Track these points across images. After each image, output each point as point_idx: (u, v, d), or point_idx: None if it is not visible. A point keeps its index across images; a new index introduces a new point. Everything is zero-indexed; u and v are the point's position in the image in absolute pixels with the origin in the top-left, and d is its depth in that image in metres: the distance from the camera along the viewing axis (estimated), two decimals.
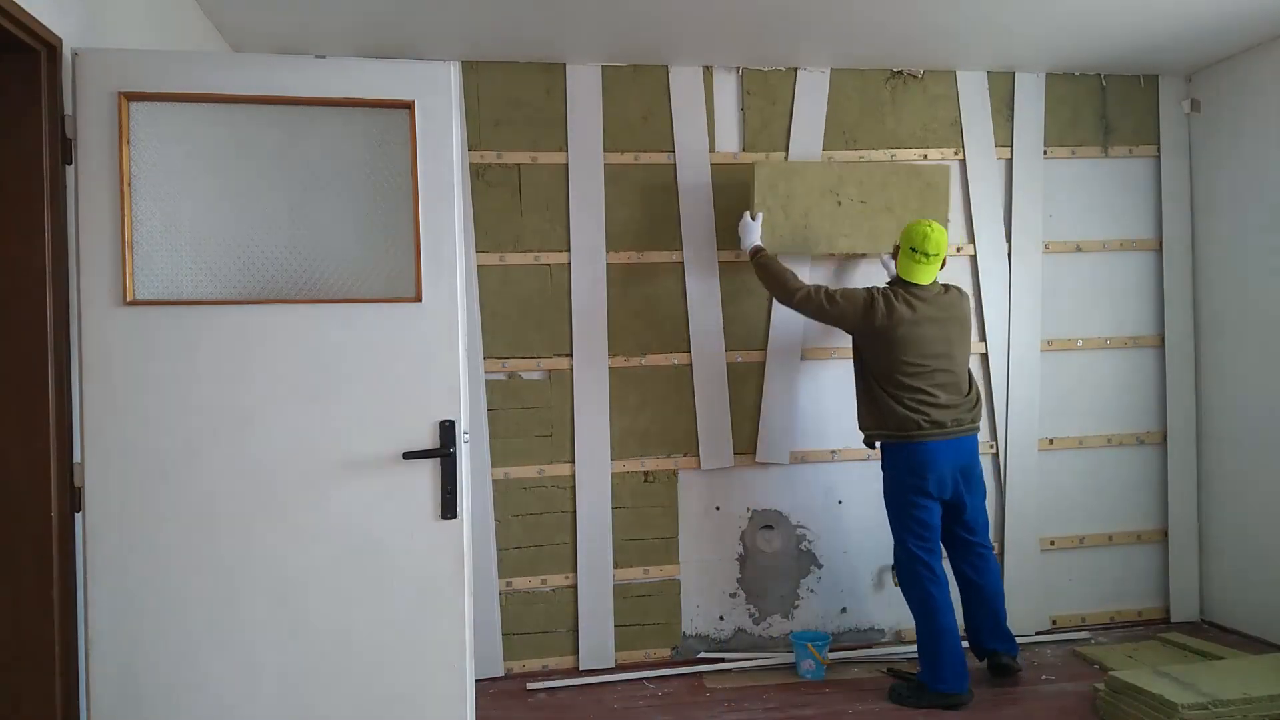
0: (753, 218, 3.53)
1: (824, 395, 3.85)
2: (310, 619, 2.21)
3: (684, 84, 3.75)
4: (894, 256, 3.39)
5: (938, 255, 3.24)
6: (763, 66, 3.81)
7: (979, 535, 3.37)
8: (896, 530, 3.34)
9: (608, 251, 3.69)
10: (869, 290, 3.26)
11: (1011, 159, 3.97)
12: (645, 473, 3.73)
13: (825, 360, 3.85)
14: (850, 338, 3.40)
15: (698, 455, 3.76)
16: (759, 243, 3.49)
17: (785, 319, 3.78)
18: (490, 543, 3.59)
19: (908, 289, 3.25)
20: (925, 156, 3.92)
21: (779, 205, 3.59)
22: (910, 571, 3.26)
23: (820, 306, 3.26)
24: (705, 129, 3.77)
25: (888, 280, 3.47)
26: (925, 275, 3.25)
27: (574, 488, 3.67)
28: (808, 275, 3.75)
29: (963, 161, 3.95)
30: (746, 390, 3.81)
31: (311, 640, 2.21)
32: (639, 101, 3.73)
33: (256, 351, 2.19)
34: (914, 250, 3.23)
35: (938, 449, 3.19)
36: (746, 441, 3.79)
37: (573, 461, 3.66)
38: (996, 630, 3.37)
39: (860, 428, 3.39)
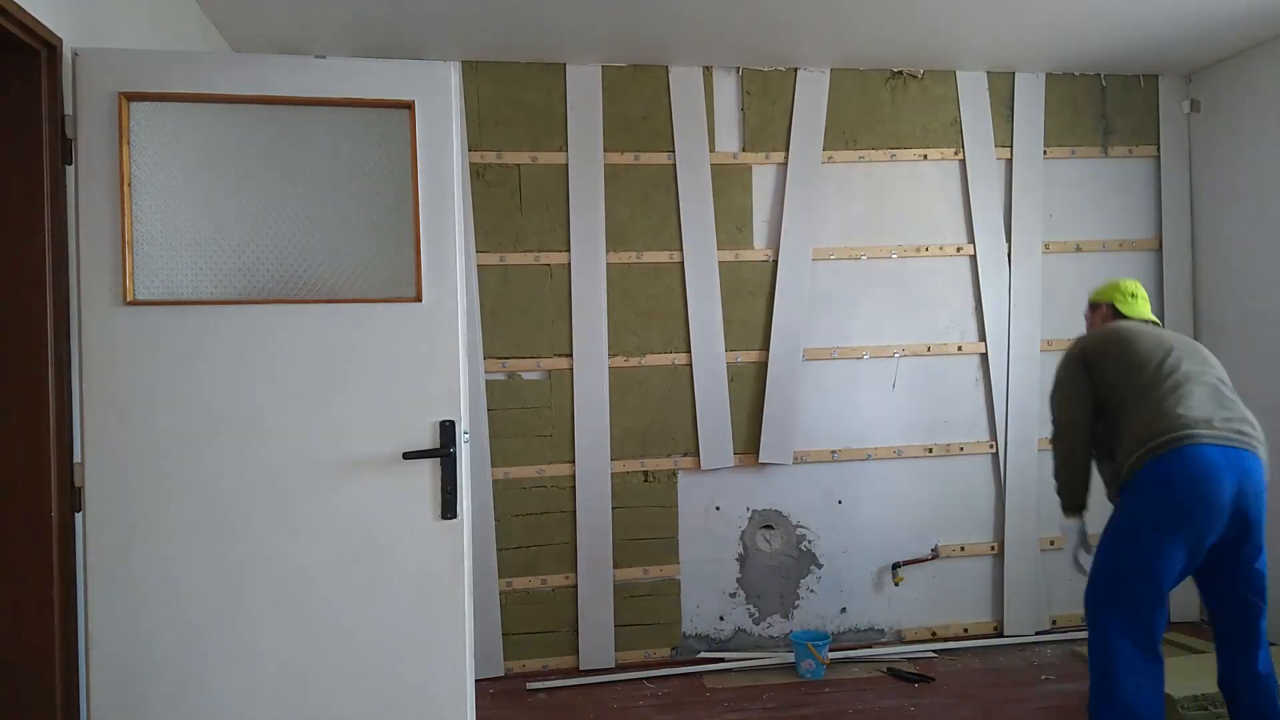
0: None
1: (824, 395, 3.85)
2: (310, 618, 2.21)
3: (684, 84, 3.75)
4: (1091, 320, 2.87)
5: (1145, 297, 2.81)
6: (763, 66, 3.81)
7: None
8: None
9: (608, 251, 3.69)
10: (1069, 350, 2.69)
11: (1011, 159, 3.97)
12: (645, 473, 3.73)
13: (826, 361, 3.85)
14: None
15: (698, 455, 3.76)
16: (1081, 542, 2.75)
17: (786, 319, 3.78)
18: (490, 543, 3.59)
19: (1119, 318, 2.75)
20: (925, 157, 3.92)
21: None
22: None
23: (1071, 406, 2.60)
24: (705, 129, 3.77)
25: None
26: (1146, 311, 2.77)
27: (574, 488, 3.67)
28: None
29: (963, 161, 3.95)
30: (746, 390, 3.81)
31: (312, 640, 2.21)
32: (639, 101, 3.73)
33: (257, 351, 2.19)
34: (1132, 296, 2.77)
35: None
36: (747, 441, 3.79)
37: (573, 461, 3.67)
38: None
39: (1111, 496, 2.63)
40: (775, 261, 3.81)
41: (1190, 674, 2.90)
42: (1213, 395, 2.42)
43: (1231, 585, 2.41)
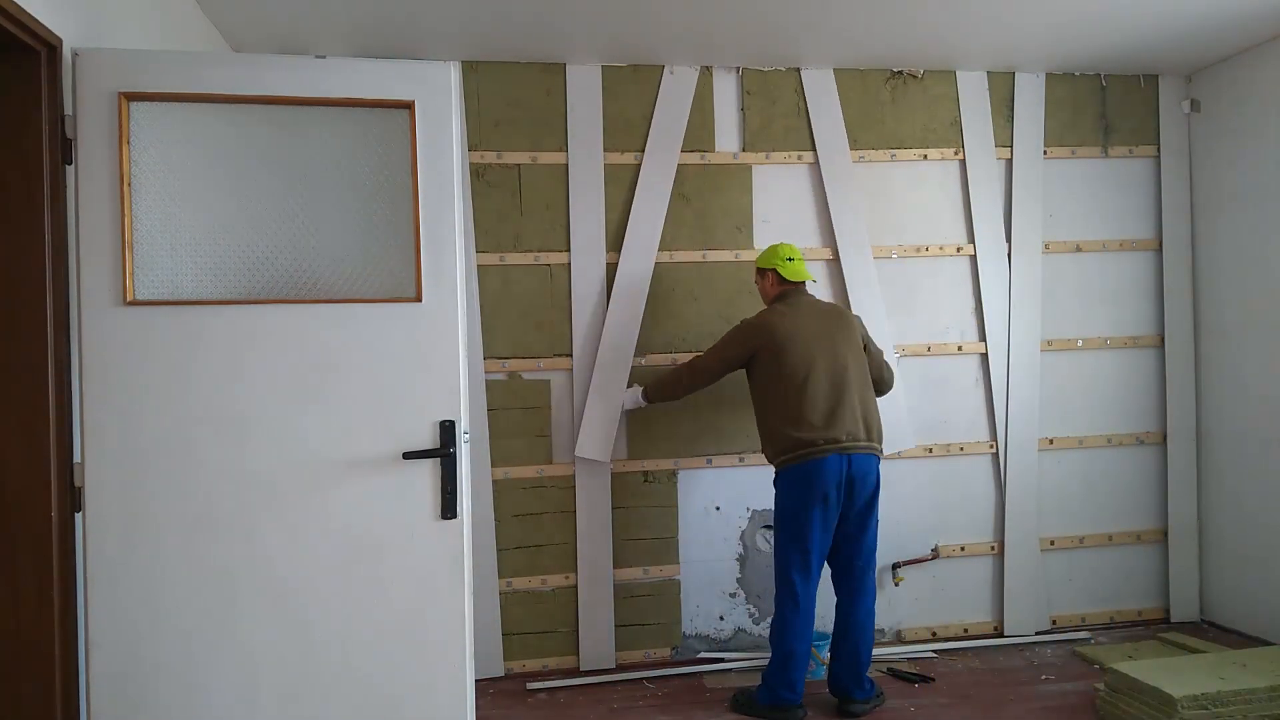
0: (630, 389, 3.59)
1: None
2: (310, 619, 2.21)
3: (684, 84, 3.75)
4: (760, 281, 3.38)
5: (801, 258, 3.31)
6: (763, 66, 3.81)
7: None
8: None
9: (608, 251, 3.69)
10: (743, 323, 3.27)
11: (1011, 159, 3.97)
12: (645, 473, 3.73)
13: None
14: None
15: (698, 455, 3.76)
16: (638, 390, 3.53)
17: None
18: (490, 543, 3.59)
19: (781, 300, 3.26)
20: (925, 156, 3.92)
21: None
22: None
23: (709, 366, 3.27)
24: (705, 129, 3.77)
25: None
26: (804, 272, 3.28)
27: (574, 488, 3.67)
28: None
29: (963, 161, 3.95)
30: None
31: (311, 640, 2.21)
32: (639, 101, 3.73)
33: (257, 351, 2.19)
34: (789, 259, 3.27)
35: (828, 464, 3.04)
36: (747, 442, 3.79)
37: (573, 461, 3.67)
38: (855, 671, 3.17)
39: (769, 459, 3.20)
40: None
41: (1190, 674, 2.89)
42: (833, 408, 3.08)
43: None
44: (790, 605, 3.10)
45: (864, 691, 3.17)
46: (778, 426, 3.11)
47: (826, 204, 3.84)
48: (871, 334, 3.92)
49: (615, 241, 3.71)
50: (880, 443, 3.15)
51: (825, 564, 3.20)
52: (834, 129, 3.84)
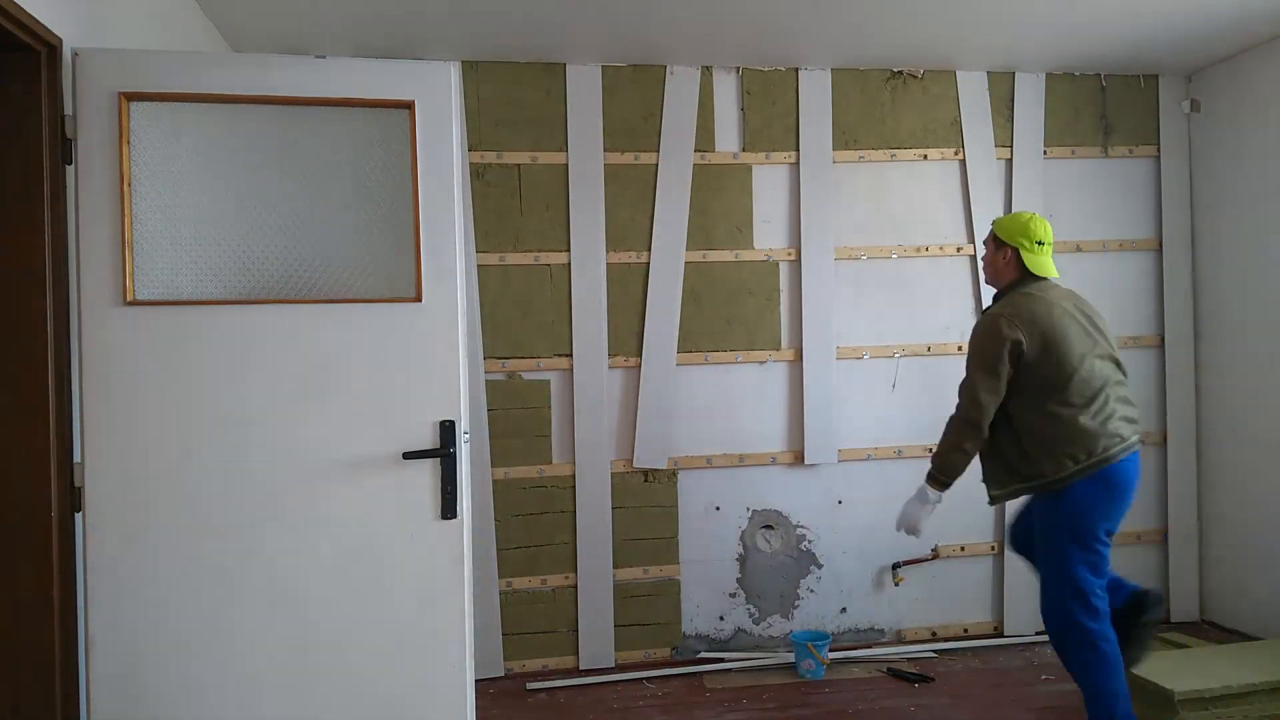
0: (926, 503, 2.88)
1: (826, 396, 3.85)
2: (310, 619, 2.21)
3: (683, 84, 3.75)
4: (992, 263, 2.82)
5: (1052, 244, 2.77)
6: (763, 66, 3.80)
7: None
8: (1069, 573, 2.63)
9: (608, 251, 3.69)
10: (991, 321, 2.68)
11: (1011, 159, 3.97)
12: (645, 472, 3.73)
13: (828, 361, 3.85)
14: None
15: (698, 455, 3.76)
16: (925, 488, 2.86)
17: (815, 321, 3.79)
18: (490, 543, 3.59)
19: (1024, 287, 2.72)
20: (925, 157, 3.92)
21: None
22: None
23: (984, 397, 2.64)
24: (705, 129, 3.77)
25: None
26: (1053, 268, 2.76)
27: (574, 488, 3.67)
28: None
29: (963, 161, 3.95)
30: (747, 391, 3.81)
31: (311, 640, 2.21)
32: (639, 101, 3.73)
33: (257, 351, 2.19)
34: (1040, 244, 2.73)
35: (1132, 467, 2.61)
36: (748, 442, 3.79)
37: (573, 461, 3.67)
38: None
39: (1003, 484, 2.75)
40: (797, 261, 3.82)
41: (1190, 671, 2.89)
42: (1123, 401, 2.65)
43: None
44: (1093, 635, 2.58)
45: None
46: (1073, 427, 2.57)
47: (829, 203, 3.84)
48: (870, 334, 3.93)
49: (616, 241, 3.70)
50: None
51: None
52: (820, 130, 3.82)
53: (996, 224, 2.82)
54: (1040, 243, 2.72)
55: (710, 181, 3.77)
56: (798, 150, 3.82)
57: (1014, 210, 3.94)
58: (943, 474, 2.77)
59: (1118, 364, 2.71)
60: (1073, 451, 2.58)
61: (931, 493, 2.81)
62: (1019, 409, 2.65)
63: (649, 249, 3.72)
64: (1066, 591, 2.60)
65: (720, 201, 3.78)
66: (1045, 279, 2.73)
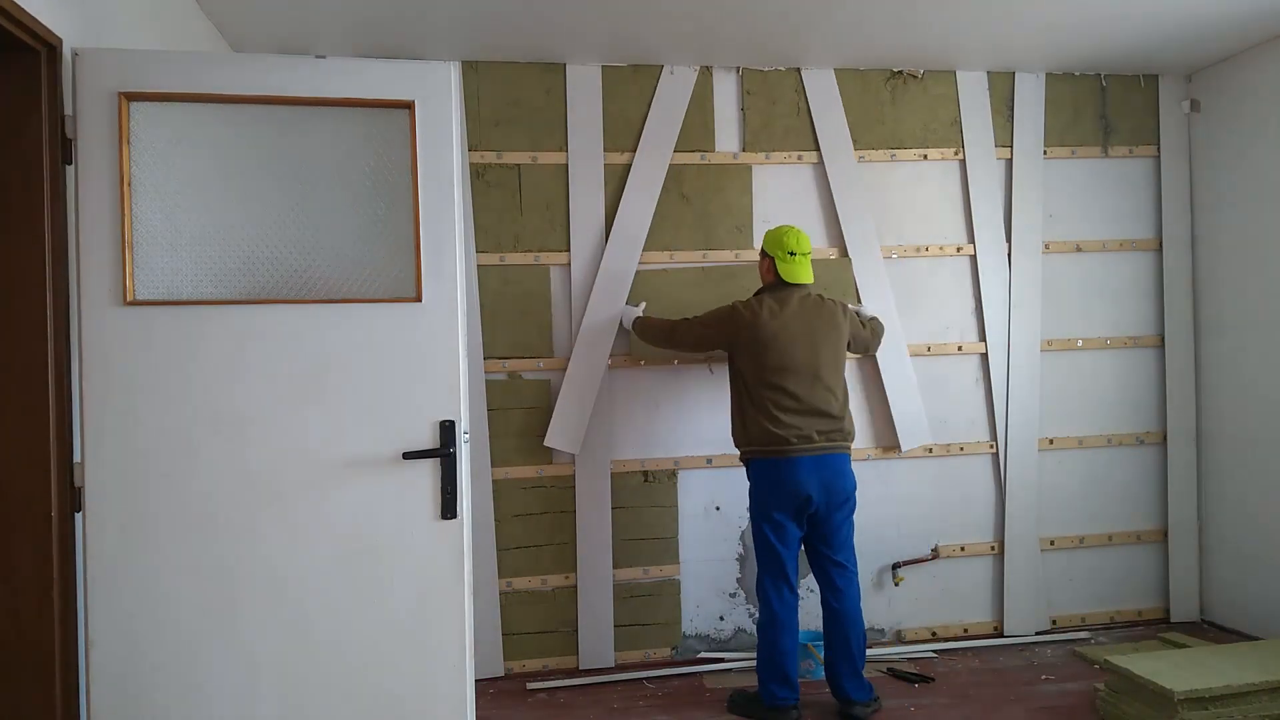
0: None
1: None
2: (310, 619, 2.21)
3: (681, 84, 3.75)
4: (759, 268, 3.32)
5: (808, 254, 3.20)
6: (763, 66, 3.81)
7: (840, 554, 3.16)
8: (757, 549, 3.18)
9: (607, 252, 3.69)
10: (733, 302, 3.23)
11: (1011, 159, 3.97)
12: (645, 473, 3.73)
13: None
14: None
15: (699, 455, 3.75)
16: (635, 311, 3.58)
17: None
18: (490, 543, 3.59)
19: (773, 292, 3.20)
20: (925, 157, 3.92)
21: None
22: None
23: (686, 339, 3.28)
24: (705, 129, 3.77)
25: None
26: (806, 274, 3.19)
27: (574, 488, 3.67)
28: None
29: (963, 161, 3.95)
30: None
31: (311, 640, 2.21)
32: (639, 101, 3.73)
33: (257, 351, 2.19)
34: (790, 254, 3.17)
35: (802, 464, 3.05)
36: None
37: (573, 461, 3.66)
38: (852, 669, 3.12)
39: (735, 444, 3.25)
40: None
41: (1190, 671, 2.89)
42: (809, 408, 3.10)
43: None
44: (773, 598, 3.10)
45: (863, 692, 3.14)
46: (753, 416, 3.11)
47: (830, 203, 3.84)
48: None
49: (613, 242, 3.70)
50: (850, 442, 3.17)
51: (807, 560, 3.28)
52: (838, 128, 3.83)
53: (765, 236, 3.28)
54: (792, 253, 3.18)
55: (710, 181, 3.78)
56: (818, 150, 3.82)
57: (1014, 211, 3.94)
58: (640, 331, 3.49)
59: (819, 377, 3.10)
60: (749, 434, 3.13)
61: (630, 322, 3.55)
62: (734, 380, 3.22)
63: (666, 249, 3.72)
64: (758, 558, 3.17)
65: (720, 201, 3.78)
66: (795, 285, 3.18)
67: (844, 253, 3.85)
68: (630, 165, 3.70)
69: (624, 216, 3.68)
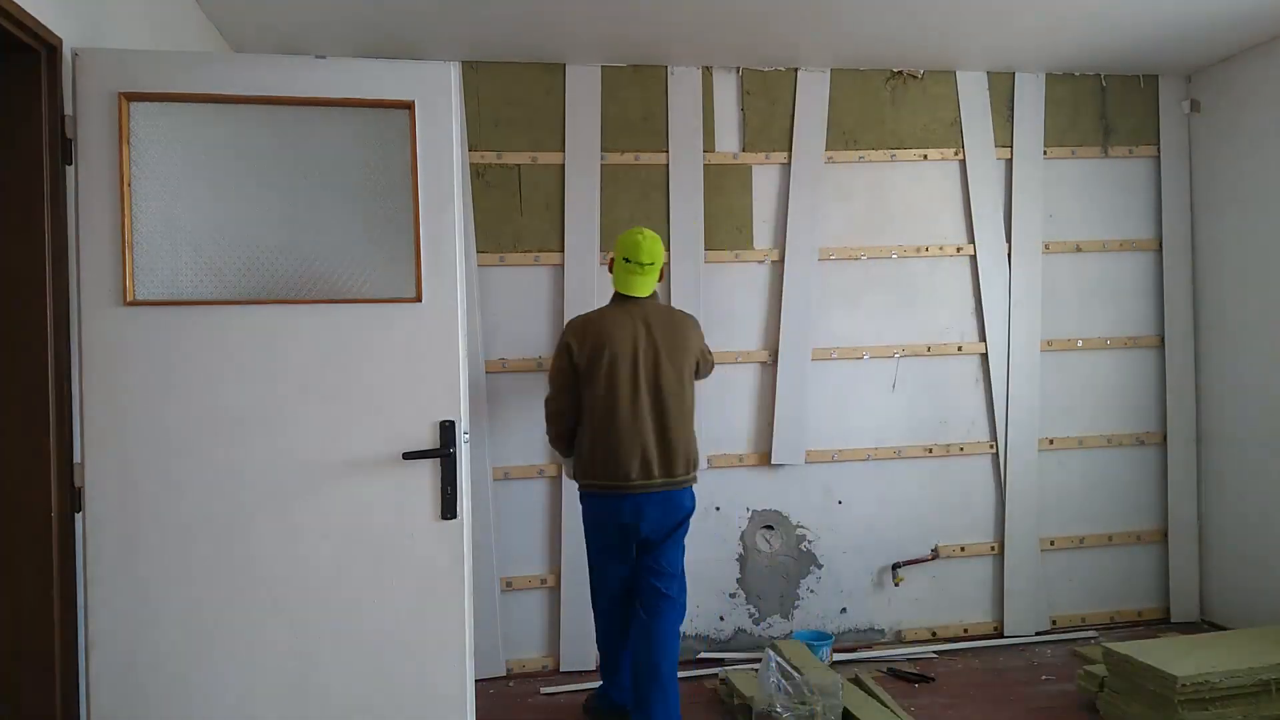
0: None
1: (827, 396, 3.85)
2: (310, 619, 2.21)
3: (683, 84, 3.75)
4: (609, 268, 3.08)
5: (653, 265, 2.95)
6: (763, 66, 3.80)
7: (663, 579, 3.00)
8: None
9: (603, 252, 3.69)
10: (562, 336, 3.01)
11: (1011, 159, 3.97)
12: None
13: (826, 361, 3.85)
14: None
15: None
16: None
17: (794, 320, 3.79)
18: (490, 543, 3.59)
19: (618, 304, 2.99)
20: (925, 157, 3.92)
21: None
22: None
23: (554, 393, 3.02)
24: (705, 129, 3.77)
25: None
26: (642, 287, 2.96)
27: (573, 487, 3.66)
28: None
29: (963, 161, 3.95)
30: (746, 392, 3.81)
31: (312, 640, 2.21)
32: (638, 101, 3.73)
33: (256, 352, 2.19)
34: (627, 260, 2.94)
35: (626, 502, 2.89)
36: (748, 442, 3.79)
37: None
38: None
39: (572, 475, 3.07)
40: (780, 261, 3.81)
41: (1191, 657, 2.88)
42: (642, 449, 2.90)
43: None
44: (599, 613, 3.10)
45: None
46: (587, 444, 2.93)
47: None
48: (870, 334, 3.92)
49: (611, 242, 3.70)
50: (691, 472, 2.99)
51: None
52: (814, 129, 3.82)
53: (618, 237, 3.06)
54: (627, 259, 2.94)
55: (710, 182, 3.77)
56: (789, 150, 3.82)
57: (1013, 211, 3.94)
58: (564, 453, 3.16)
59: (652, 396, 2.90)
60: (582, 465, 2.96)
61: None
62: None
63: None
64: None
65: (720, 201, 3.78)
66: (632, 297, 2.97)
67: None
68: (640, 166, 3.71)
69: (675, 218, 3.71)
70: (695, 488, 3.11)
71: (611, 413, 2.88)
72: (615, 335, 2.90)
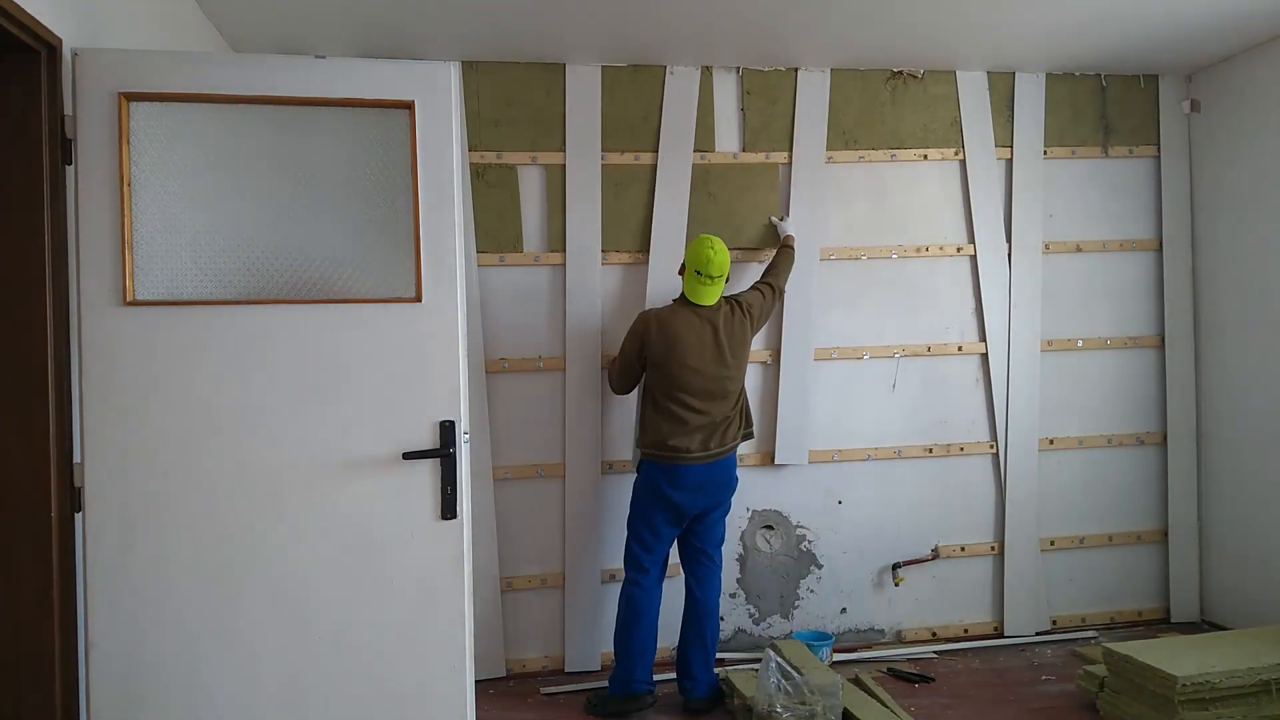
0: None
1: (827, 396, 3.85)
2: (310, 619, 2.21)
3: (683, 84, 3.75)
4: (681, 274, 3.35)
5: (722, 276, 3.23)
6: (763, 66, 3.80)
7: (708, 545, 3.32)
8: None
9: (606, 252, 3.69)
10: (636, 323, 3.28)
11: (1011, 159, 3.97)
12: None
13: (827, 361, 3.85)
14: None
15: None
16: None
17: (796, 320, 3.79)
18: (490, 543, 3.59)
19: (687, 306, 3.25)
20: (925, 157, 3.92)
21: None
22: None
23: (619, 371, 3.35)
24: (705, 129, 3.77)
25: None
26: (710, 297, 3.24)
27: (574, 488, 3.66)
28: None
29: (963, 161, 3.95)
30: (748, 392, 3.80)
31: (312, 640, 2.21)
32: (638, 101, 3.73)
33: (256, 351, 2.19)
34: (698, 273, 3.20)
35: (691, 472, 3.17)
36: (750, 442, 3.78)
37: (568, 462, 3.66)
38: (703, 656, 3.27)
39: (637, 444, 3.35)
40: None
41: (1191, 657, 2.88)
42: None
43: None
44: (633, 586, 3.25)
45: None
46: (652, 419, 3.21)
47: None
48: (870, 334, 3.92)
49: (611, 242, 3.70)
50: (739, 436, 3.30)
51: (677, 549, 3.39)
52: (814, 129, 3.82)
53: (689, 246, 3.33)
54: (698, 272, 3.20)
55: (711, 182, 3.77)
56: (790, 151, 3.82)
57: (1014, 211, 3.94)
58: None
59: (716, 389, 3.18)
60: (648, 437, 3.21)
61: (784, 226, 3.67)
62: (645, 386, 3.31)
63: (648, 249, 3.72)
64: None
65: (748, 200, 3.77)
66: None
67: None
68: (637, 166, 3.71)
69: (660, 220, 3.71)
70: None
71: (676, 400, 3.16)
72: (686, 338, 3.17)
